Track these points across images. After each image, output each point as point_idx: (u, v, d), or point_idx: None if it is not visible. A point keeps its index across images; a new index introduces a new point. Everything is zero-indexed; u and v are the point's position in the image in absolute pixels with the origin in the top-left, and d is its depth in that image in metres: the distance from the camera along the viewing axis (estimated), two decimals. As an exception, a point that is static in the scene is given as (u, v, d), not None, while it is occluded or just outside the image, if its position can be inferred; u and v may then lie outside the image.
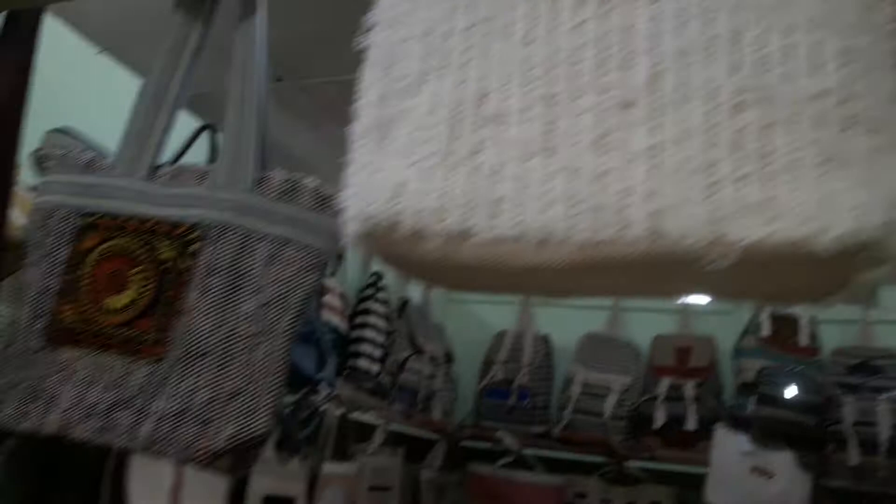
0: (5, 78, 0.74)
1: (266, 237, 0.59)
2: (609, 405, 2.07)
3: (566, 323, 2.27)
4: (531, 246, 0.36)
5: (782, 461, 1.82)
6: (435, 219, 0.37)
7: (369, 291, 1.88)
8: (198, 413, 0.54)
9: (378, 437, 1.78)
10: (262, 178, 0.60)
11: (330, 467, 1.59)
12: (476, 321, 2.41)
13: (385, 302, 1.90)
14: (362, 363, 1.79)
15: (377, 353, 1.83)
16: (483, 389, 2.21)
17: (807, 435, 1.86)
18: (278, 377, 0.56)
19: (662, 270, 0.37)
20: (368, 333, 1.82)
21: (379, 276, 1.92)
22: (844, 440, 1.79)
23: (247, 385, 0.56)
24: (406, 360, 1.99)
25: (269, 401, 0.56)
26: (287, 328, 0.58)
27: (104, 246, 0.60)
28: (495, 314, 2.37)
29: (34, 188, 1.04)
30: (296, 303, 0.58)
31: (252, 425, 0.55)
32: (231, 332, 0.57)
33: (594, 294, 0.42)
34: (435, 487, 2.01)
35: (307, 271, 0.59)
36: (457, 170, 0.38)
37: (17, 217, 0.96)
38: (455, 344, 2.28)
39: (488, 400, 2.19)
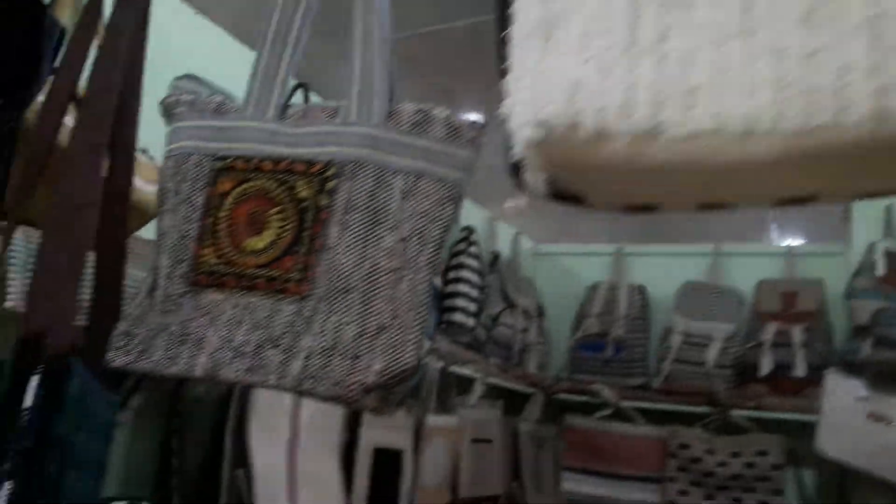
0: (126, 34, 0.74)
1: (400, 171, 0.57)
2: (712, 354, 2.01)
3: (661, 272, 2.21)
4: (732, 139, 0.33)
5: (903, 406, 1.73)
6: (620, 116, 0.34)
7: (462, 246, 1.86)
8: (347, 348, 0.54)
9: (477, 390, 1.78)
10: (393, 111, 0.58)
11: (433, 420, 1.60)
12: (565, 274, 2.37)
13: (477, 256, 1.89)
14: (458, 317, 1.78)
15: (472, 307, 1.83)
16: (577, 342, 2.18)
17: (929, 378, 1.76)
18: (422, 311, 0.55)
19: (883, 160, 0.33)
20: (463, 288, 1.81)
21: (470, 230, 1.91)
22: (969, 383, 1.68)
23: (392, 319, 0.54)
24: (499, 314, 1.97)
25: (414, 335, 0.54)
26: (427, 262, 0.56)
27: (241, 188, 0.59)
28: (585, 266, 2.33)
29: (144, 150, 1.06)
30: (434, 236, 0.56)
31: (401, 359, 0.53)
32: (373, 268, 0.55)
33: (796, 196, 0.38)
34: (534, 440, 2.00)
35: (443, 204, 0.57)
36: (641, 61, 0.34)
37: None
38: (545, 297, 2.25)
39: (582, 353, 2.16)
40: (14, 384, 0.64)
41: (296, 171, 0.59)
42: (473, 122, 0.57)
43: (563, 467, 2.05)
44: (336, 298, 0.55)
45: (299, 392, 0.54)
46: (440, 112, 0.58)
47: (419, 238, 0.56)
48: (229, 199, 0.60)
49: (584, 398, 2.06)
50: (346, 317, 0.54)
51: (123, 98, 0.79)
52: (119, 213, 0.80)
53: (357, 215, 0.56)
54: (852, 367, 1.80)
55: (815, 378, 1.83)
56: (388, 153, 0.57)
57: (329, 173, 0.58)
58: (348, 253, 0.56)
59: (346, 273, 0.55)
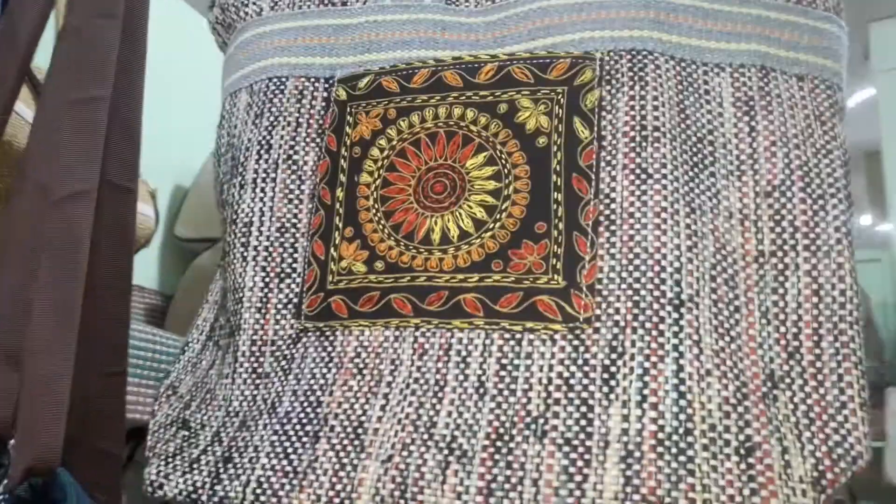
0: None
1: (727, 63, 0.28)
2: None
3: None
4: None
5: None
6: None
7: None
8: (716, 433, 0.23)
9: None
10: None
11: None
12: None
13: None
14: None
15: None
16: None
17: None
18: (851, 337, 0.24)
19: None
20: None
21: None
22: None
23: (788, 359, 0.24)
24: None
25: (850, 388, 0.24)
26: (836, 232, 0.26)
27: (400, 128, 0.28)
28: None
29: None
30: (832, 179, 0.27)
31: (840, 447, 0.23)
32: (721, 255, 0.25)
33: None
34: None
35: (822, 118, 0.27)
36: None
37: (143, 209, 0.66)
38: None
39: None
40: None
41: (514, 80, 0.28)
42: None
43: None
44: (657, 325, 0.24)
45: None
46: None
47: (803, 184, 0.26)
48: (378, 150, 0.29)
49: None
50: (695, 363, 0.24)
51: (122, 54, 0.47)
52: (122, 224, 0.47)
53: (659, 149, 0.26)
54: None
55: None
56: (694, 33, 0.28)
57: (583, 79, 0.28)
58: (661, 226, 0.25)
59: (669, 269, 0.25)
